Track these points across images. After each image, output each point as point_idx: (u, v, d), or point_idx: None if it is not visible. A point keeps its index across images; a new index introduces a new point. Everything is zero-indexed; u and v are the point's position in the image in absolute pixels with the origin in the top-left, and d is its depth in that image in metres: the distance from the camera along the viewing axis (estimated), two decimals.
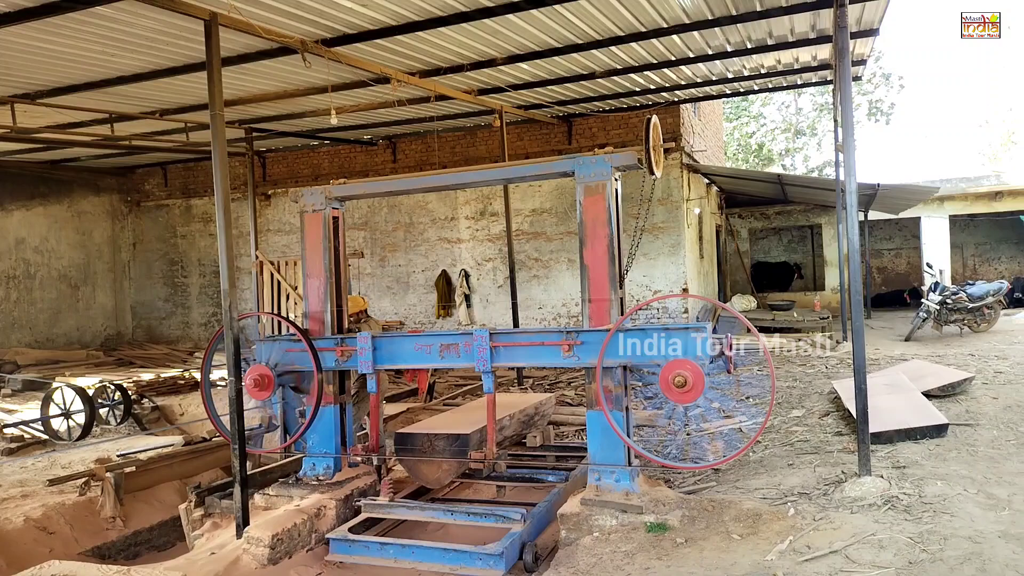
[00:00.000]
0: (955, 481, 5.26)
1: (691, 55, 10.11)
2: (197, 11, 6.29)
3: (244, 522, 5.75)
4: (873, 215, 18.14)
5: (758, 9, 8.36)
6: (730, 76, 11.68)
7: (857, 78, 12.62)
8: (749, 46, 9.83)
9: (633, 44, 9.32)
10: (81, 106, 10.39)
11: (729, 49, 9.93)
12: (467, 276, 15.21)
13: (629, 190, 6.62)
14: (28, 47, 7.93)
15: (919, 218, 18.85)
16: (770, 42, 9.71)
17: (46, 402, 9.67)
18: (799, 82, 13.18)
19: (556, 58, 9.71)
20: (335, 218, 6.77)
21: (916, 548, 4.22)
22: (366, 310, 7.86)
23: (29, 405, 11.00)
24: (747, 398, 9.34)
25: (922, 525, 4.52)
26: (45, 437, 9.55)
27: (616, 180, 5.75)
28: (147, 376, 12.75)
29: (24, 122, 11.15)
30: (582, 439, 8.20)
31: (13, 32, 7.35)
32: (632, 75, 10.95)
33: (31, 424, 9.75)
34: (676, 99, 13.33)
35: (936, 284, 13.29)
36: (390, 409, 9.65)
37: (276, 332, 11.19)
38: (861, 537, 4.41)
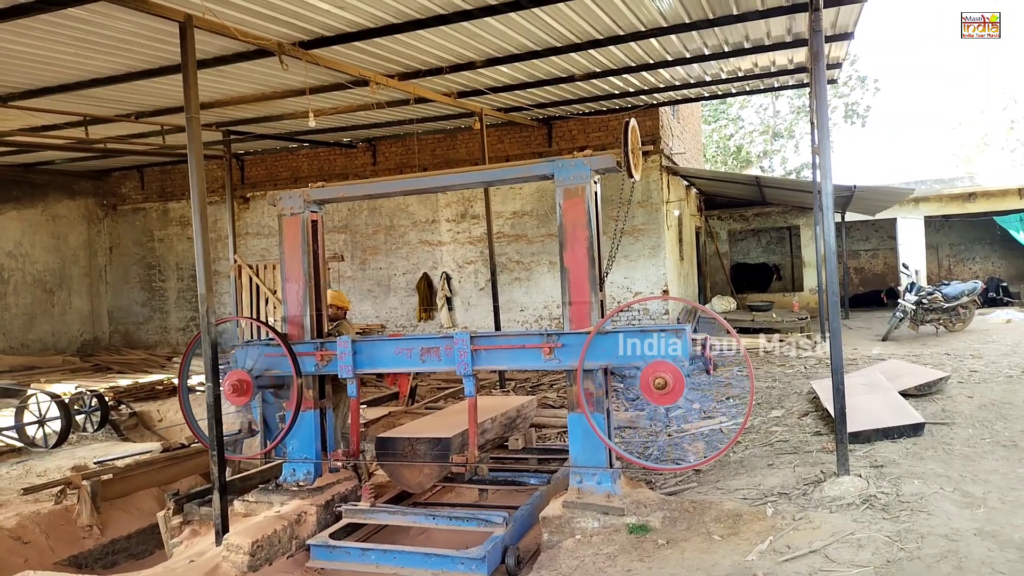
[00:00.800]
0: (932, 480, 5.32)
1: (669, 58, 10.17)
2: (171, 13, 6.23)
3: (223, 529, 5.69)
4: (850, 216, 18.36)
5: (734, 13, 8.42)
6: (708, 79, 11.77)
7: (832, 81, 12.76)
8: (726, 49, 9.91)
9: (611, 47, 9.36)
10: (55, 109, 10.25)
11: (707, 52, 10.00)
12: (448, 279, 15.18)
13: (609, 192, 6.65)
14: None
15: (895, 219, 19.11)
16: (747, 45, 9.80)
17: (20, 409, 9.51)
18: (776, 85, 13.32)
19: (535, 61, 9.72)
20: (314, 221, 6.72)
21: (894, 547, 4.26)
22: (346, 310, 7.80)
23: (3, 412, 10.81)
24: (727, 399, 9.40)
25: (900, 524, 4.57)
26: (20, 445, 9.38)
27: (596, 183, 5.77)
28: (124, 382, 12.59)
29: None
30: (564, 441, 8.21)
31: None
32: (611, 78, 10.99)
33: (5, 432, 9.57)
34: (655, 102, 13.40)
35: (912, 284, 13.47)
36: (371, 413, 9.60)
37: (255, 337, 11.10)
38: (840, 536, 4.45)
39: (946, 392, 7.95)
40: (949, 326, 12.96)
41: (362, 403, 7.55)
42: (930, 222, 19.66)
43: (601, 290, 5.73)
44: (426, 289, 15.34)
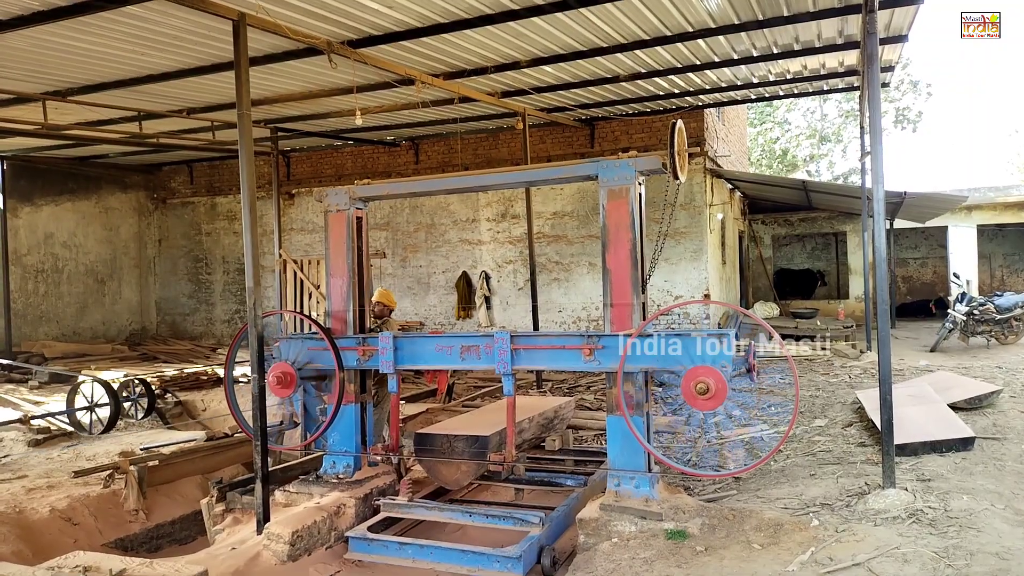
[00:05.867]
0: (982, 496, 5.17)
1: (716, 59, 10.06)
2: (226, 11, 6.36)
3: (264, 518, 5.80)
4: (899, 223, 17.92)
5: (785, 14, 8.29)
6: (755, 81, 11.60)
7: (885, 85, 12.48)
8: (775, 51, 9.76)
9: (658, 48, 9.29)
10: (110, 104, 10.55)
11: (755, 54, 9.86)
12: (487, 278, 15.23)
13: (652, 194, 6.59)
14: (60, 45, 8.06)
15: (946, 227, 18.60)
16: (796, 47, 9.63)
17: (72, 395, 9.81)
18: (825, 88, 13.06)
19: (580, 61, 9.70)
20: (359, 218, 6.80)
21: (941, 563, 4.15)
22: (392, 309, 7.89)
23: (55, 397, 11.17)
24: (769, 407, 9.25)
25: (947, 540, 4.45)
26: (71, 429, 9.68)
27: (640, 184, 5.73)
28: (170, 371, 12.91)
29: (55, 119, 11.34)
30: (601, 443, 8.17)
31: (46, 31, 7.48)
32: (656, 79, 10.91)
33: (57, 416, 9.90)
34: (700, 103, 13.26)
35: (963, 294, 13.10)
36: (409, 409, 9.68)
37: (298, 330, 11.27)
38: (885, 550, 4.35)
39: (998, 406, 7.72)
40: (1001, 338, 12.57)
41: (401, 399, 7.64)
42: (983, 231, 19.10)
43: (643, 292, 5.69)
44: (465, 288, 15.41)
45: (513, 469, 6.09)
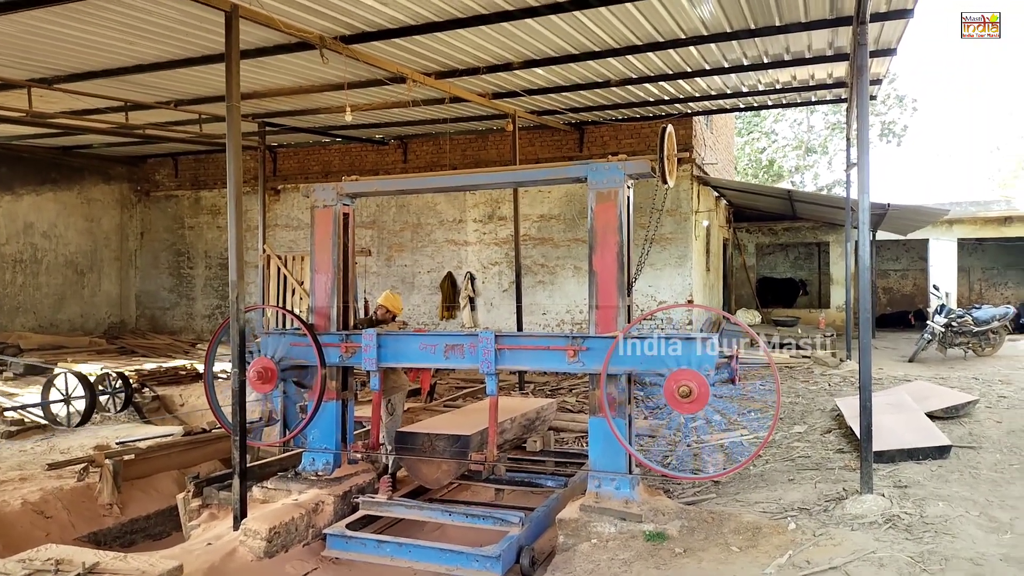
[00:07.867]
0: (957, 503, 5.23)
1: (707, 67, 10.12)
2: (219, 2, 6.29)
3: (242, 514, 5.75)
4: (881, 235, 18.10)
5: (777, 24, 8.35)
6: (745, 90, 11.68)
7: (872, 98, 12.62)
8: (766, 60, 9.84)
9: (650, 54, 9.33)
10: (97, 93, 10.42)
11: (745, 63, 9.94)
12: (472, 279, 15.21)
13: (638, 200, 6.63)
14: (49, 32, 7.95)
15: (927, 240, 18.82)
16: (787, 57, 9.72)
17: (47, 387, 9.67)
18: (813, 99, 13.19)
19: (572, 65, 9.72)
20: (345, 215, 6.78)
21: (917, 567, 4.19)
22: (395, 315, 7.76)
23: (30, 389, 11.01)
24: (748, 411, 9.30)
25: (923, 545, 4.50)
26: (45, 422, 9.54)
27: (629, 188, 5.76)
28: (149, 365, 12.77)
29: (39, 106, 11.20)
30: (582, 446, 8.18)
31: (34, 16, 7.38)
32: (647, 85, 10.96)
33: (31, 408, 9.75)
34: (689, 111, 13.34)
35: (942, 306, 13.24)
36: None
37: (280, 327, 11.19)
38: (861, 554, 4.39)
39: (974, 416, 7.82)
40: (978, 350, 12.73)
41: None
42: (963, 244, 19.35)
43: (629, 295, 5.71)
44: (450, 288, 15.38)
45: (494, 469, 6.08)
